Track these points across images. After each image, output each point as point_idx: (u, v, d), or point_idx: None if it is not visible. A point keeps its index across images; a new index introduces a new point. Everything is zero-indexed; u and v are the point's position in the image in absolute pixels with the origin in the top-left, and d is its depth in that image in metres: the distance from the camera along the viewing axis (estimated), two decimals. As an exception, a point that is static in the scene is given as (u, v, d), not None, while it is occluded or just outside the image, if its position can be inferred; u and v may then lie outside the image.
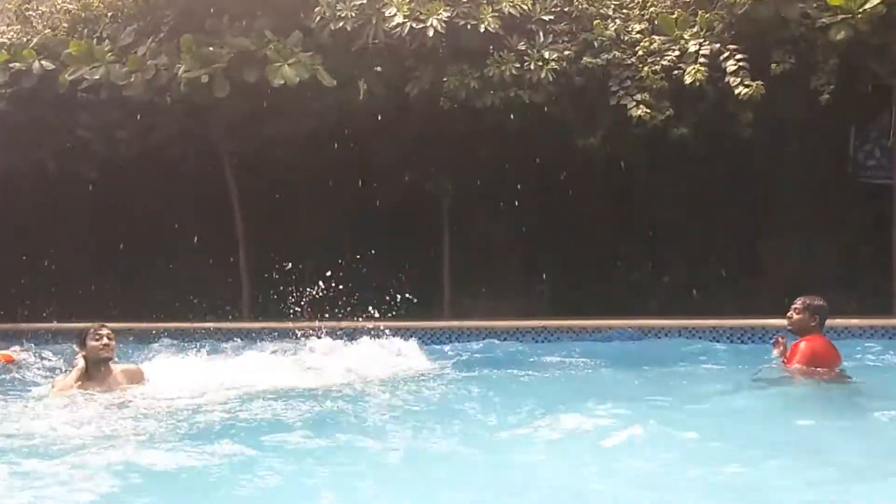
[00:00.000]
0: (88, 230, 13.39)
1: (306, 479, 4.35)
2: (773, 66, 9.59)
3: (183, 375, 7.12)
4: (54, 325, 10.78)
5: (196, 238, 12.90)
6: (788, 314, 7.00)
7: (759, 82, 9.40)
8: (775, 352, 7.25)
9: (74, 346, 6.61)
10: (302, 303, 12.72)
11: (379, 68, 10.62)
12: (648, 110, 9.80)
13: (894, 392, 6.98)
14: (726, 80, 9.56)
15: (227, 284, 12.57)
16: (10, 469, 4.42)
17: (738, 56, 9.57)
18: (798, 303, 6.96)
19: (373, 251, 12.39)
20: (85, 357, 6.33)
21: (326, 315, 11.18)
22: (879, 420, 5.60)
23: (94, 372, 6.31)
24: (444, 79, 10.31)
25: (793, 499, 4.00)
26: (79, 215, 13.26)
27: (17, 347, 9.44)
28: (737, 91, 9.44)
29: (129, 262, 13.24)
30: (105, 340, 6.32)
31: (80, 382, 6.29)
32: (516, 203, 12.21)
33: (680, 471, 4.41)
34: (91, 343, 6.28)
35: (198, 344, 10.23)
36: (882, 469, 4.41)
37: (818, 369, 6.74)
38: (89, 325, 6.43)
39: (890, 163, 10.79)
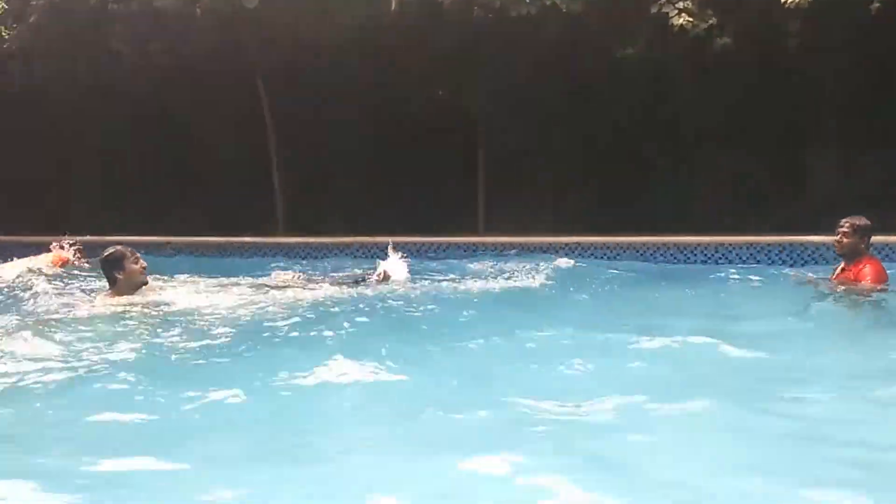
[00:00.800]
0: (121, 145, 13.44)
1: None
2: (823, -28, 9.22)
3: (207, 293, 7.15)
4: (88, 238, 10.84)
5: (230, 154, 12.91)
6: (837, 238, 6.57)
7: (808, -10, 9.03)
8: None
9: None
10: (335, 218, 12.77)
11: (412, -23, 10.37)
12: (691, 19, 9.48)
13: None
14: (772, -14, 9.20)
15: (262, 201, 12.59)
16: (63, 375, 4.50)
17: (786, -39, 9.18)
18: (845, 225, 6.52)
19: (407, 167, 12.32)
20: (118, 279, 6.37)
21: (359, 231, 11.21)
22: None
23: (130, 293, 6.40)
24: (479, -13, 10.04)
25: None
26: (112, 130, 13.29)
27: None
28: (783, -1, 9.10)
29: (163, 179, 13.30)
30: (143, 263, 6.43)
31: (121, 297, 6.38)
32: (551, 118, 12.00)
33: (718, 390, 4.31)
34: (132, 267, 6.38)
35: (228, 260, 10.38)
36: None
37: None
38: (122, 249, 6.45)
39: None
